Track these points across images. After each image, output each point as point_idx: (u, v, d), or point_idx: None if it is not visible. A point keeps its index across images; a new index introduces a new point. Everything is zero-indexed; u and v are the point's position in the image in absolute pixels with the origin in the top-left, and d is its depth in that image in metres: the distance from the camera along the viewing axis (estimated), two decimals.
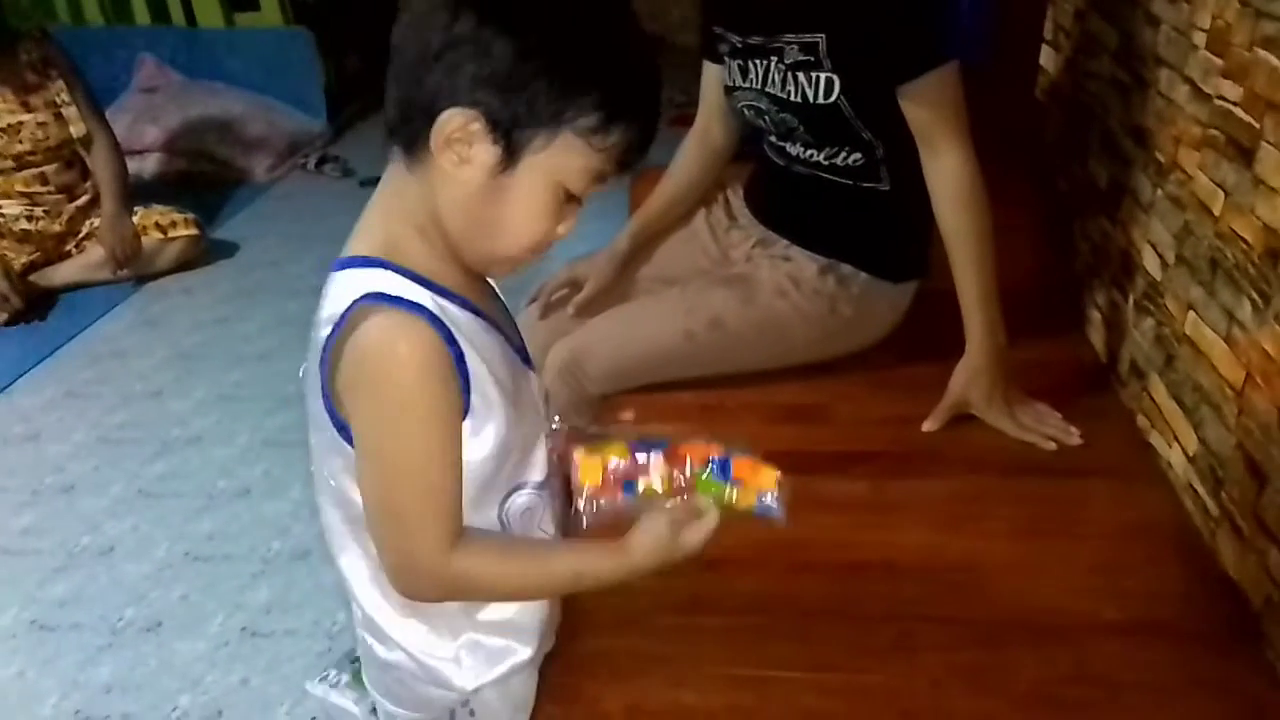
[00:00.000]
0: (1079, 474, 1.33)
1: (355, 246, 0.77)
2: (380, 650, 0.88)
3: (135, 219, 2.91)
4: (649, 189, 2.07)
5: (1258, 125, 1.11)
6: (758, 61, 1.44)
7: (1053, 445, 1.36)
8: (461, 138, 0.71)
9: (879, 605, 1.13)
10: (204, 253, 3.08)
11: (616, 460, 0.86)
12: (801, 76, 1.38)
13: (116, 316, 2.82)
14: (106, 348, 2.66)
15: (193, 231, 3.02)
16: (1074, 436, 1.37)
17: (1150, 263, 1.41)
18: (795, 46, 1.37)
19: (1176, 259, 1.32)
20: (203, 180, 3.65)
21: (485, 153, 0.71)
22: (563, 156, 0.72)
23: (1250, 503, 1.11)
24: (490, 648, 0.88)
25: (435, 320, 0.72)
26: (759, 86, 1.45)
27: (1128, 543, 1.22)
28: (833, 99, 1.37)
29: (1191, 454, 1.26)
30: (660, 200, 1.62)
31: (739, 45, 1.46)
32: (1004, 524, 1.25)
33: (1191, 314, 1.27)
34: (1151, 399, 1.39)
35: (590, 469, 0.85)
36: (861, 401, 1.49)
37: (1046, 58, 1.95)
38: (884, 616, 1.11)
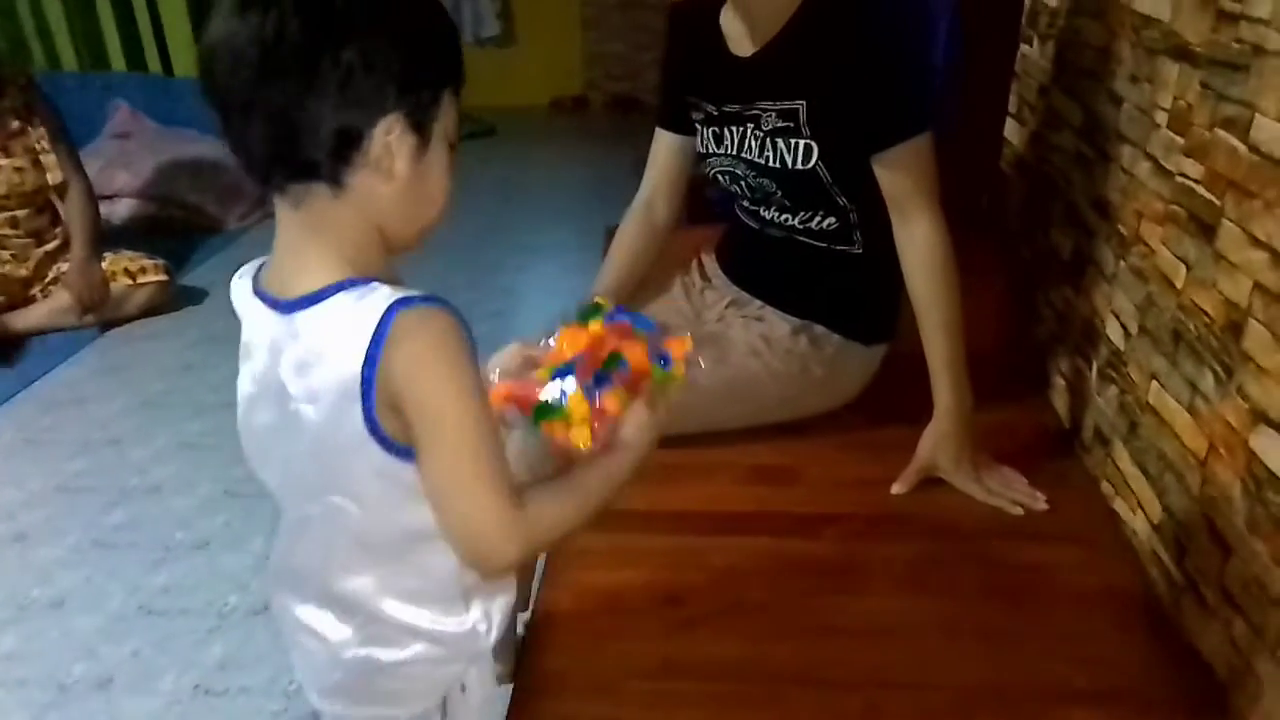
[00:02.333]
0: (1044, 539, 1.34)
1: (309, 281, 0.77)
2: (390, 654, 0.89)
3: (104, 264, 2.90)
4: None
5: (1218, 202, 1.15)
6: (733, 128, 1.47)
7: (1019, 510, 1.37)
8: (387, 140, 0.76)
9: (849, 671, 1.12)
10: (172, 299, 3.06)
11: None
12: (780, 142, 1.41)
13: (79, 362, 2.78)
14: (67, 394, 2.62)
15: (161, 277, 3.00)
16: (1040, 501, 1.38)
17: (1114, 332, 1.44)
18: (773, 113, 1.40)
19: (1140, 329, 1.35)
20: (173, 227, 3.64)
21: (407, 145, 0.77)
22: (447, 114, 0.80)
23: (1215, 572, 1.13)
24: (497, 604, 0.92)
25: (448, 304, 0.77)
26: (734, 153, 1.48)
27: (1094, 610, 1.22)
28: (811, 165, 1.40)
29: (1156, 521, 1.28)
30: (607, 281, 1.59)
31: (714, 113, 1.49)
32: (972, 589, 1.25)
33: (1154, 383, 1.30)
34: (1115, 466, 1.41)
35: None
36: (831, 463, 1.50)
37: (1011, 130, 2.01)
38: (854, 683, 1.11)
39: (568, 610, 1.20)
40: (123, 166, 3.68)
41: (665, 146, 1.61)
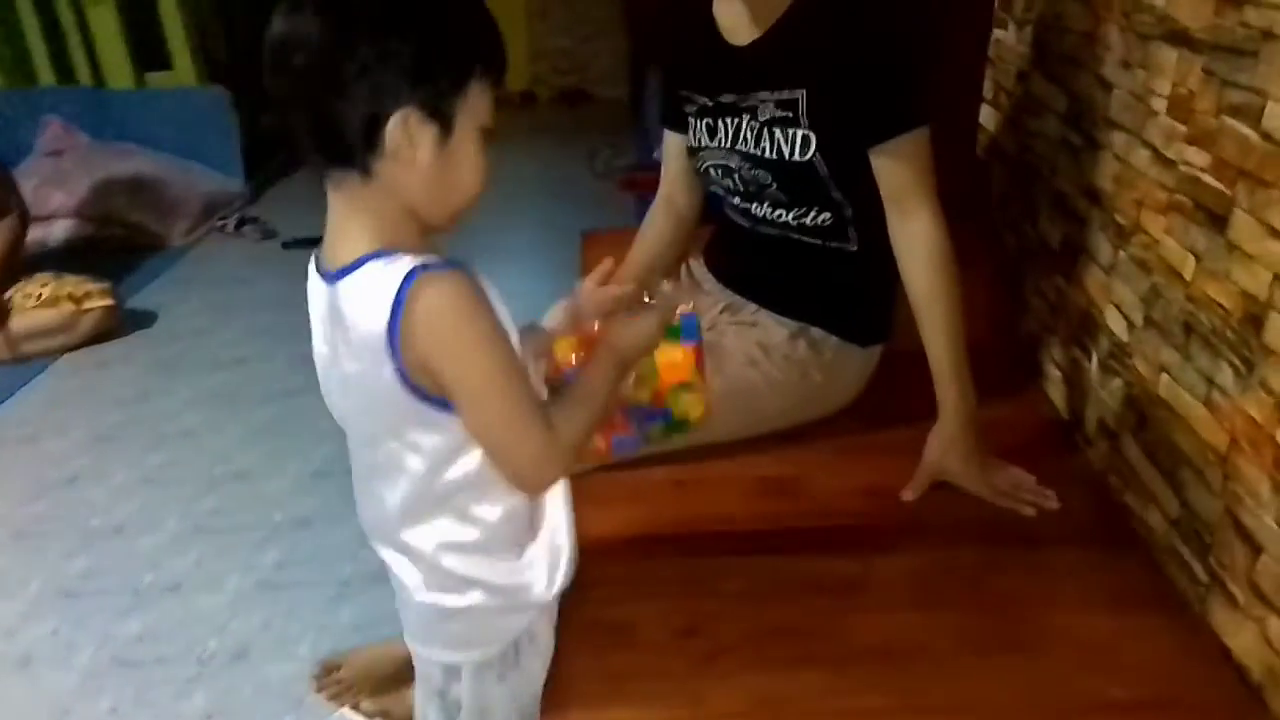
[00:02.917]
0: (1058, 540, 1.31)
1: (347, 254, 0.85)
2: (452, 600, 0.97)
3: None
4: (600, 251, 2.04)
5: (1229, 192, 1.12)
6: (728, 120, 1.42)
7: (1031, 511, 1.35)
8: (406, 134, 0.81)
9: (884, 698, 1.08)
10: (120, 324, 2.92)
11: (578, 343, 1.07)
12: (778, 132, 1.36)
13: (26, 396, 2.64)
14: (16, 431, 2.48)
15: (107, 302, 2.87)
16: (1051, 500, 1.36)
17: (1115, 323, 1.41)
18: (771, 103, 1.36)
19: (1145, 321, 1.33)
20: (114, 246, 3.50)
21: (428, 135, 0.83)
22: (477, 103, 0.85)
23: (1245, 569, 1.11)
24: (548, 555, 1.00)
25: (464, 267, 0.84)
26: (729, 145, 1.43)
27: (1118, 612, 1.20)
28: (809, 156, 1.35)
29: (1174, 517, 1.26)
30: (634, 267, 1.58)
31: (708, 105, 1.44)
32: (994, 598, 1.22)
33: (1165, 376, 1.28)
34: (1124, 459, 1.39)
35: (563, 351, 1.07)
36: (835, 471, 1.46)
37: (987, 116, 1.98)
38: (891, 710, 1.07)
39: (585, 651, 1.14)
40: (57, 185, 3.52)
41: (674, 147, 1.58)
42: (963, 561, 1.29)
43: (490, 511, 0.94)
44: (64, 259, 3.25)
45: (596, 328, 1.06)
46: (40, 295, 2.77)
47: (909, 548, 1.32)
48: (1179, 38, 1.23)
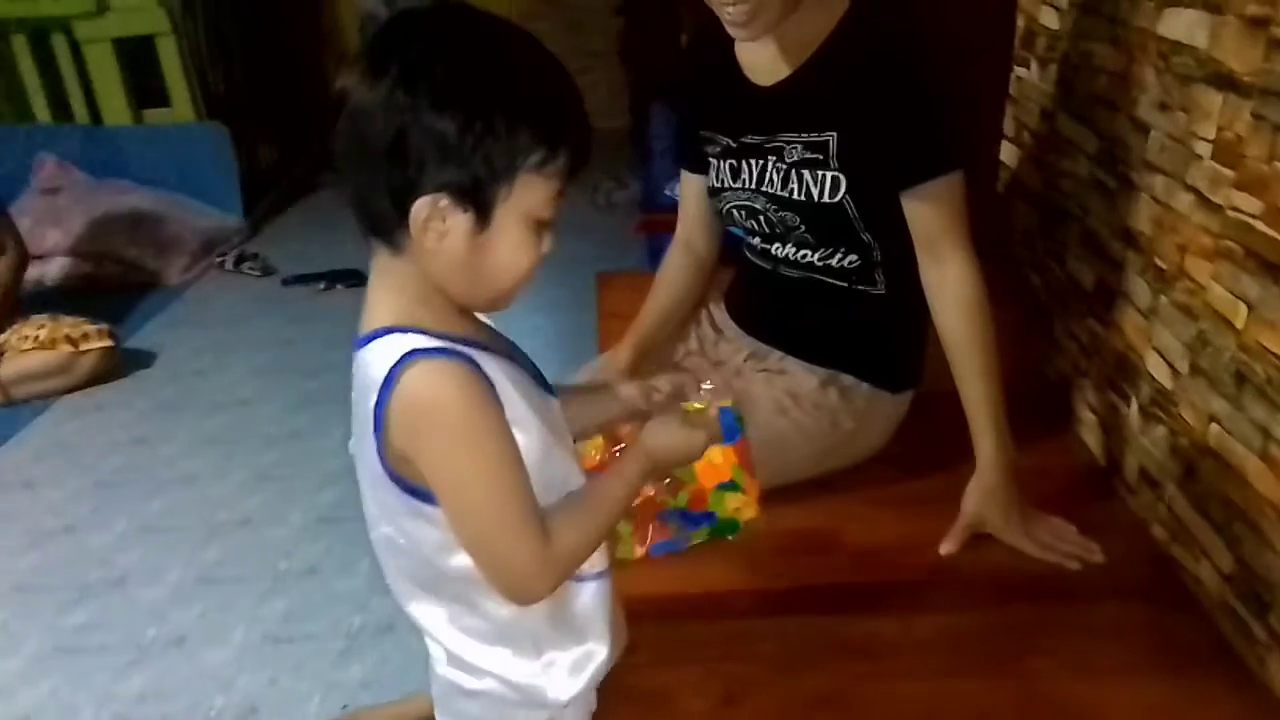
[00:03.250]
0: (1106, 594, 1.27)
1: (371, 323, 0.81)
2: (469, 681, 0.91)
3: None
4: (616, 295, 2.01)
5: None
6: (753, 161, 1.38)
7: (1076, 565, 1.30)
8: (434, 217, 0.76)
9: None
10: (118, 365, 2.86)
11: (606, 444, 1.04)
12: (807, 174, 1.33)
13: (23, 441, 2.58)
14: (13, 477, 2.42)
15: (106, 343, 2.81)
16: (1096, 554, 1.31)
17: (1158, 369, 1.38)
18: (799, 145, 1.33)
19: (1191, 368, 1.29)
20: (111, 285, 3.44)
21: (460, 222, 0.76)
22: (526, 194, 0.77)
23: None
24: (573, 657, 0.92)
25: (465, 358, 0.78)
26: (754, 186, 1.39)
27: (1174, 673, 1.15)
28: (838, 198, 1.32)
29: (1227, 572, 1.21)
30: (653, 315, 1.54)
31: (731, 146, 1.41)
32: (1048, 661, 1.17)
33: (1215, 426, 1.24)
34: (1170, 510, 1.34)
35: (589, 453, 1.04)
36: (869, 523, 1.41)
37: (1009, 154, 1.95)
38: None
39: None
40: (53, 224, 3.47)
41: (693, 188, 1.54)
42: (1007, 620, 1.24)
43: (498, 608, 0.86)
44: (60, 298, 3.21)
45: (628, 430, 0.98)
46: (37, 338, 2.72)
47: (949, 606, 1.27)
48: (1224, 81, 1.20)
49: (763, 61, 1.36)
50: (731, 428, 1.00)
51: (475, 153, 0.74)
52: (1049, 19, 1.75)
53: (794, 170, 1.34)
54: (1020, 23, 1.90)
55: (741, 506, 1.11)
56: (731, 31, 1.28)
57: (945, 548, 1.33)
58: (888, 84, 1.27)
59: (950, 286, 1.32)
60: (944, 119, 1.29)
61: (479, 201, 0.76)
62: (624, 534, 1.18)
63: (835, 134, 1.30)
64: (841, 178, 1.32)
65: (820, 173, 1.33)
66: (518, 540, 0.80)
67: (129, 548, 2.13)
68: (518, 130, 0.74)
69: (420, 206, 0.75)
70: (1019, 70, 1.90)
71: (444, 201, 0.75)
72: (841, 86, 1.29)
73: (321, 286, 3.37)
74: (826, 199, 1.33)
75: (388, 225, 0.78)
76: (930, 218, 1.31)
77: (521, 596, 0.85)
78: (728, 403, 1.01)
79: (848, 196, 1.32)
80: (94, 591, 2.00)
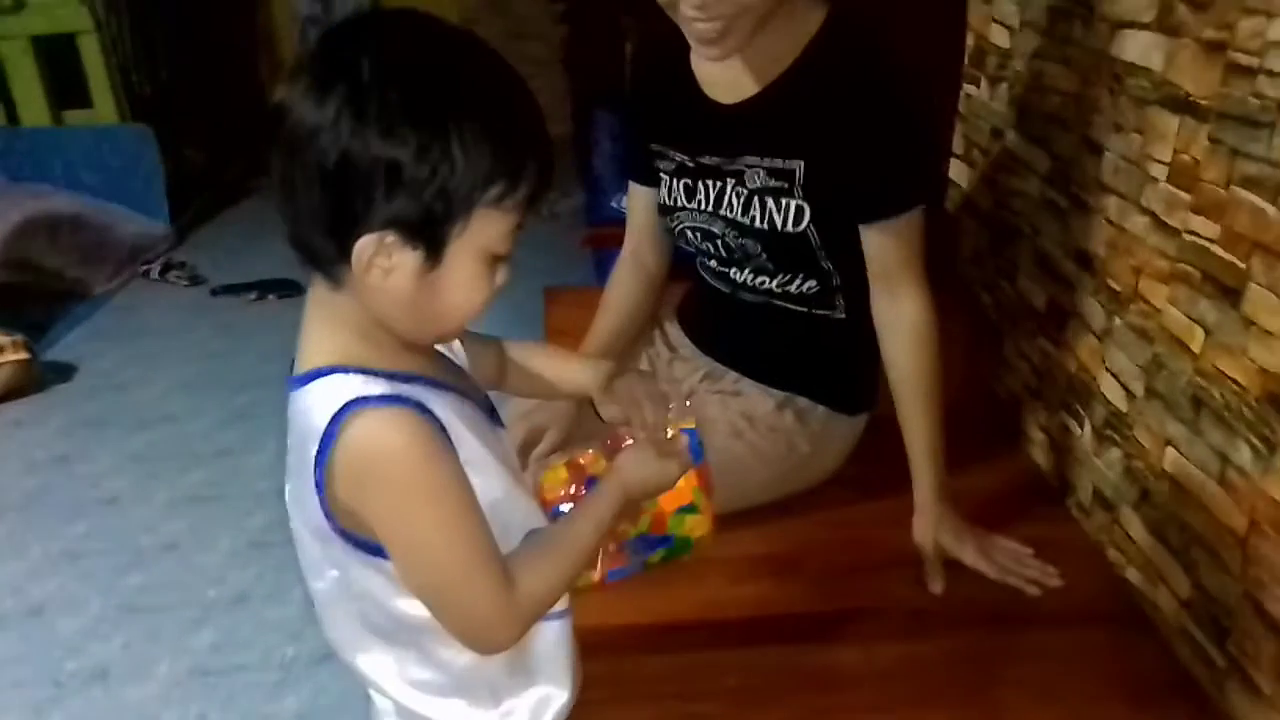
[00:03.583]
0: (1066, 621, 1.26)
1: (308, 362, 0.75)
2: None
3: None
4: (564, 310, 1.96)
5: (1242, 265, 1.09)
6: (710, 182, 1.34)
7: (1036, 590, 1.29)
8: (380, 254, 0.69)
9: None
10: (36, 378, 2.73)
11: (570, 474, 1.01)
12: (770, 202, 1.29)
13: None
14: None
15: (22, 355, 2.68)
16: (1054, 578, 1.30)
17: (1112, 392, 1.37)
18: (761, 170, 1.28)
19: (1147, 391, 1.29)
20: (29, 294, 3.25)
21: (408, 259, 0.70)
22: (482, 229, 0.71)
23: (1268, 657, 1.06)
24: (531, 703, 0.87)
25: (411, 403, 0.72)
26: (710, 209, 1.35)
27: (1139, 702, 1.14)
28: (802, 227, 1.28)
29: (1185, 598, 1.21)
30: (603, 335, 1.48)
31: (687, 164, 1.36)
32: (1013, 690, 1.15)
33: (1171, 450, 1.23)
34: (1126, 534, 1.34)
35: (552, 485, 1.00)
36: (827, 548, 1.38)
37: (959, 172, 1.95)
38: None
39: None
40: None
41: (641, 201, 1.48)
42: (970, 648, 1.22)
43: (456, 655, 0.81)
44: None
45: (589, 456, 0.97)
46: None
47: (911, 633, 1.25)
48: (1180, 104, 1.20)
49: (724, 77, 1.30)
50: (695, 450, 0.97)
51: (429, 185, 0.67)
52: (999, 37, 1.75)
53: (756, 197, 1.30)
54: (970, 40, 1.90)
55: (695, 526, 1.08)
56: (699, 50, 1.22)
57: (935, 588, 1.30)
58: (861, 114, 1.22)
59: (904, 321, 1.30)
60: (917, 152, 1.27)
61: (430, 238, 0.69)
62: None
63: (803, 162, 1.26)
64: (806, 207, 1.27)
65: (785, 201, 1.28)
66: (479, 592, 0.75)
67: (46, 575, 2.02)
68: (478, 161, 0.68)
69: (365, 245, 0.68)
70: (969, 88, 1.90)
71: (391, 238, 0.68)
72: (812, 112, 1.24)
73: (252, 297, 3.25)
74: (790, 228, 1.29)
75: (327, 259, 0.71)
76: (889, 250, 1.28)
77: (485, 648, 0.80)
78: (690, 423, 0.99)
79: (811, 226, 1.28)
80: (8, 622, 1.89)
